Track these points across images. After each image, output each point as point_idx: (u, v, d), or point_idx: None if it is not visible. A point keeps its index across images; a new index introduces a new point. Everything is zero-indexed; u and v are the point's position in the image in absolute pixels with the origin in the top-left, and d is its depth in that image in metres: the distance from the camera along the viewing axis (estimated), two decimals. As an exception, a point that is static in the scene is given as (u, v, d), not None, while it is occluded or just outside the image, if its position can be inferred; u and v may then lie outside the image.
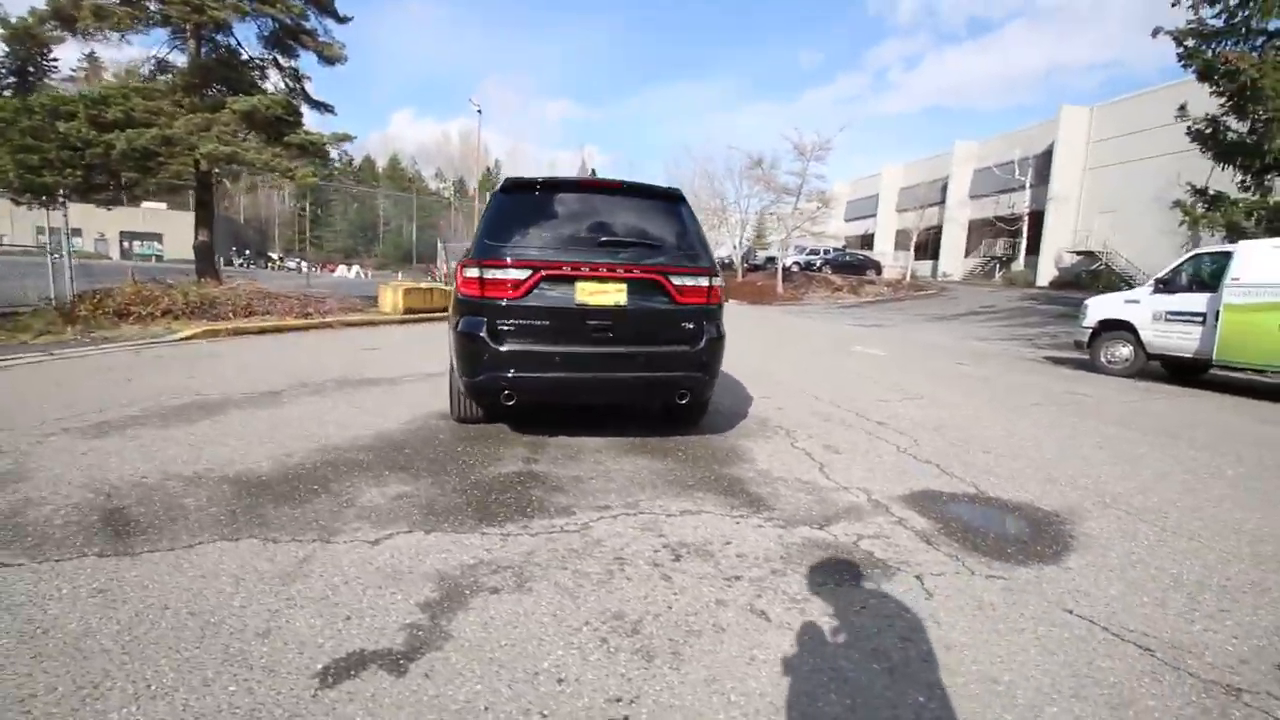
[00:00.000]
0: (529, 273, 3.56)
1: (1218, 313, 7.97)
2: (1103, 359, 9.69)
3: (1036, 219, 33.27)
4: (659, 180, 4.03)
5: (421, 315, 13.25)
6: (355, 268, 48.24)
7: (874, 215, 47.33)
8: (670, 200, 4.07)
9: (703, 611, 2.15)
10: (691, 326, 3.84)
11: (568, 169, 73.72)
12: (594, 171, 4.04)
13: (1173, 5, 12.45)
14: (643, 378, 3.78)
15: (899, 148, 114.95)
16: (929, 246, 40.34)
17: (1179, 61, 12.68)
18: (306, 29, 12.67)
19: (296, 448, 3.79)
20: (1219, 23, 12.01)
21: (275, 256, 55.69)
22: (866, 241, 46.71)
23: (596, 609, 2.13)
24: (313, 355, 7.75)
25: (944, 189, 39.58)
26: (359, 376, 6.24)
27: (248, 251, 51.75)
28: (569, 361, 3.66)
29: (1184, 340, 8.57)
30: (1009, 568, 2.63)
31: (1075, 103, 32.56)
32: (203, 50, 11.95)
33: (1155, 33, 12.96)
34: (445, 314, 14.13)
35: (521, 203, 3.87)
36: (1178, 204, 13.06)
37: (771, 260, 32.92)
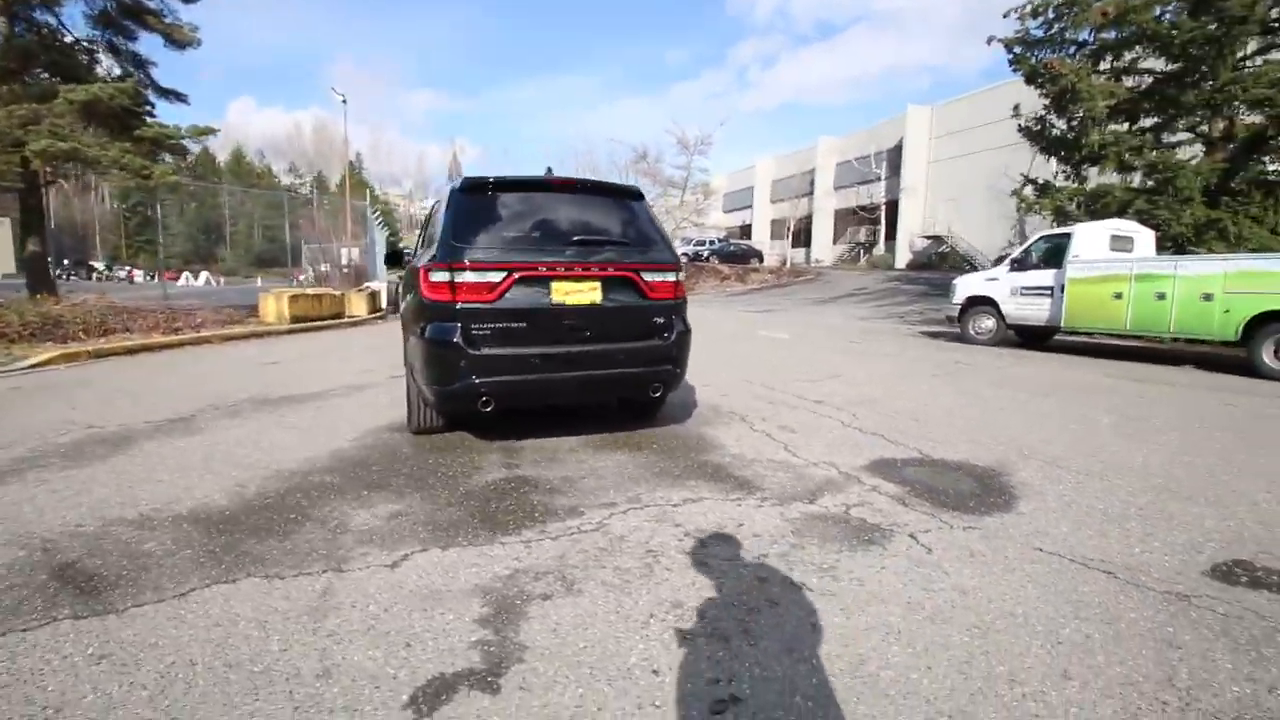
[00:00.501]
0: (503, 275, 3.48)
1: (1063, 286, 9.34)
2: (971, 331, 10.99)
3: (892, 208, 36.72)
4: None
5: (313, 324, 12.25)
6: (204, 274, 43.23)
7: (750, 206, 49.84)
8: (630, 197, 4.14)
9: (750, 590, 2.27)
10: (662, 321, 3.94)
11: (438, 161, 70.47)
12: (550, 170, 3.96)
13: (1004, 16, 14.30)
14: (619, 374, 3.83)
15: (766, 142, 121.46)
16: (803, 235, 43.21)
17: (1010, 66, 14.59)
18: (149, 8, 11.10)
19: (246, 477, 3.46)
20: (1040, 33, 13.96)
21: (100, 266, 48.62)
22: (745, 231, 49.08)
23: (654, 601, 2.19)
24: (207, 375, 6.97)
25: (812, 181, 42.53)
26: (276, 394, 5.72)
27: (66, 261, 44.64)
28: (547, 362, 3.63)
29: (1037, 311, 9.94)
30: (977, 518, 3.00)
31: (915, 101, 36.32)
32: (16, 29, 10.11)
33: (989, 40, 14.85)
34: (337, 321, 13.33)
35: (482, 203, 3.76)
36: (1015, 193, 15.05)
37: (661, 252, 33.65)
